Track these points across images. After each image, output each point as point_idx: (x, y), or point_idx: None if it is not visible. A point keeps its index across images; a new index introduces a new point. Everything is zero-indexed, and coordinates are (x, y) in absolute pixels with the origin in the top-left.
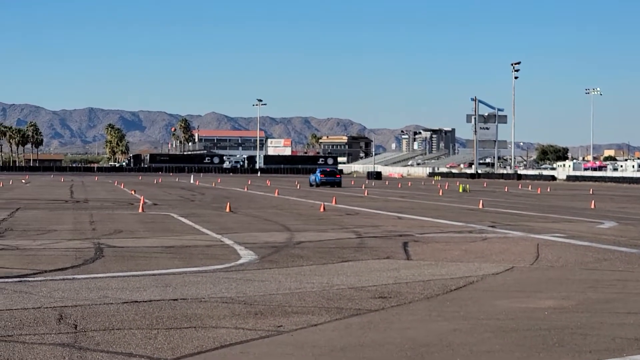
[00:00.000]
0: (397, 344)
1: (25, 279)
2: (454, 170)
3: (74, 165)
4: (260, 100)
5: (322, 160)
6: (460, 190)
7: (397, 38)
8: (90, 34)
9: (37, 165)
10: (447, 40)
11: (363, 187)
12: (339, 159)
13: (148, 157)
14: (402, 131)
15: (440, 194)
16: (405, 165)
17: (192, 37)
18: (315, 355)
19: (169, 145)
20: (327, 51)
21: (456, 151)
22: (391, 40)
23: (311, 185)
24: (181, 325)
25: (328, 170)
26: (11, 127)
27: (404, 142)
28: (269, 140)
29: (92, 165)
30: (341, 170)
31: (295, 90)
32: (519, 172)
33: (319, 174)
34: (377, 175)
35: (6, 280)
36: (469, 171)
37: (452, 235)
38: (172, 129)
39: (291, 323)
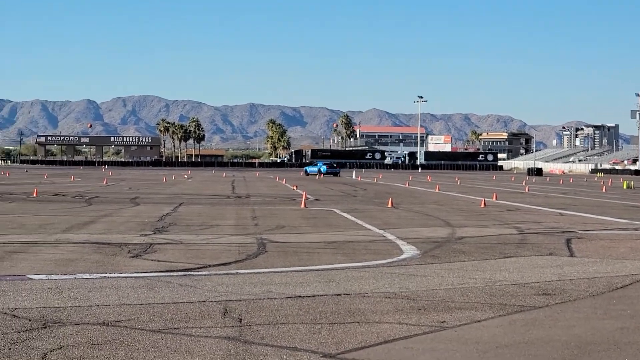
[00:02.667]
0: (562, 342)
1: (190, 272)
2: (617, 167)
3: (235, 160)
4: (421, 97)
5: (482, 157)
6: (624, 186)
7: (557, 33)
8: (251, 30)
9: (199, 160)
10: (610, 34)
11: (523, 183)
12: (499, 155)
13: (309, 153)
14: (563, 127)
15: (603, 190)
16: (567, 162)
17: (354, 33)
18: (479, 351)
19: (330, 141)
20: (488, 48)
21: (620, 147)
22: (552, 36)
23: (308, 174)
24: (345, 320)
25: (330, 163)
26: (174, 123)
27: (565, 138)
28: (430, 136)
29: (253, 160)
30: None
31: (456, 87)
32: None
33: (324, 166)
34: (538, 172)
35: (172, 274)
36: (632, 167)
37: (616, 232)
38: (334, 125)
39: (454, 319)
